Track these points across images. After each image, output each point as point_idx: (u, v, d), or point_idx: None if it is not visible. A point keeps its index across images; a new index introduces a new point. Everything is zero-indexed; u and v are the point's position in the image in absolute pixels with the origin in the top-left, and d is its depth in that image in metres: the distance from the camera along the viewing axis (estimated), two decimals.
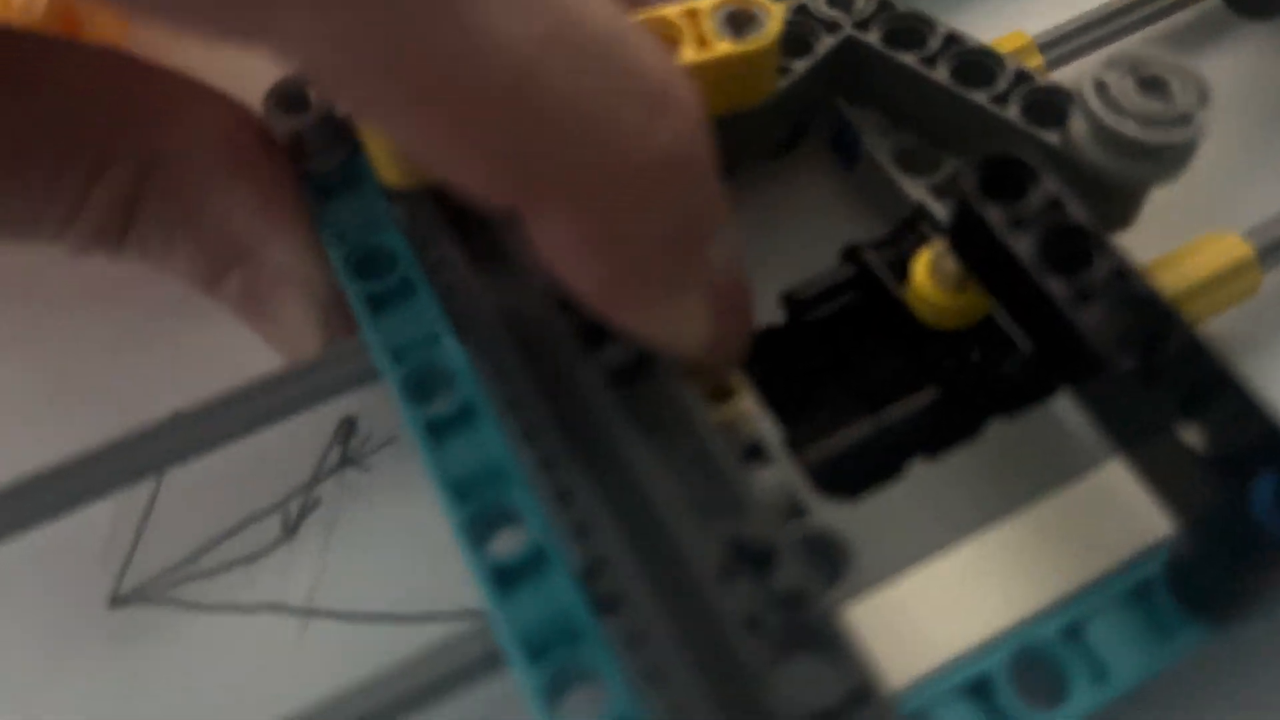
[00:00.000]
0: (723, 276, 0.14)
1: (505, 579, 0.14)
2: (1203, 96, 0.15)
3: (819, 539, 0.14)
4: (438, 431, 0.15)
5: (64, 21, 0.20)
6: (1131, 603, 0.13)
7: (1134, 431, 0.13)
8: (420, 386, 0.15)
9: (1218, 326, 0.17)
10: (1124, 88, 0.15)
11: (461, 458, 0.15)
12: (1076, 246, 0.13)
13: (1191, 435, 0.12)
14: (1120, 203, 0.16)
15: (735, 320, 0.15)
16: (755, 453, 0.15)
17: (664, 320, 0.13)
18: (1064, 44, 0.19)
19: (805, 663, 0.12)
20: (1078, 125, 0.16)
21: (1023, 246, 0.13)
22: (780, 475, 0.15)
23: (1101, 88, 0.15)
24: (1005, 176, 0.14)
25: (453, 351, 0.16)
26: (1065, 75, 0.19)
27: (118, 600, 0.17)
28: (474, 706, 0.15)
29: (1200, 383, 0.12)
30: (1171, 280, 0.16)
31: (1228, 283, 0.16)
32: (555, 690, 0.13)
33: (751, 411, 0.16)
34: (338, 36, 0.11)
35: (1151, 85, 0.15)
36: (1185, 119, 0.15)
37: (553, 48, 0.11)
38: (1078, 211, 0.13)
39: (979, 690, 0.13)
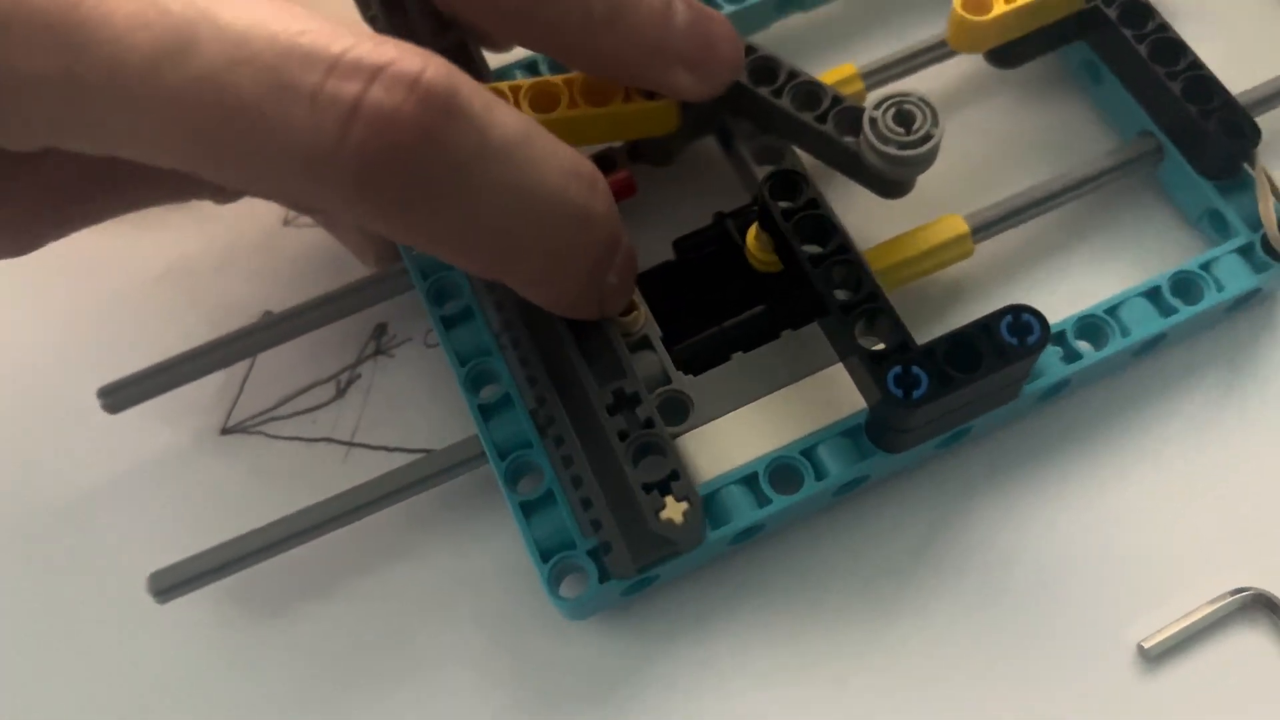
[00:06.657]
0: (615, 280, 0.22)
1: (487, 412, 0.23)
2: (935, 121, 0.23)
3: (675, 396, 0.24)
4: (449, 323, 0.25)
5: None
6: (845, 438, 0.23)
7: (841, 343, 0.22)
8: (439, 294, 0.25)
9: (944, 275, 0.26)
10: (886, 119, 0.23)
11: (465, 341, 0.24)
12: (821, 227, 0.22)
13: (868, 343, 0.21)
14: (894, 185, 0.24)
15: (623, 291, 0.22)
16: (645, 343, 0.24)
17: (578, 312, 0.22)
18: (878, 74, 0.27)
19: (649, 458, 0.21)
20: (863, 140, 0.24)
21: (789, 228, 0.22)
22: (658, 359, 0.24)
23: (872, 120, 0.24)
24: (788, 182, 0.23)
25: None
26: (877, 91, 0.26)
27: (226, 430, 0.26)
28: (470, 483, 0.24)
29: (874, 312, 0.21)
30: (918, 243, 0.25)
31: (953, 247, 0.25)
32: (514, 476, 0.23)
33: (646, 317, 0.24)
34: None
35: (902, 117, 0.23)
36: (925, 139, 0.23)
37: (522, 215, 0.19)
38: (825, 206, 0.22)
39: (749, 481, 0.22)
